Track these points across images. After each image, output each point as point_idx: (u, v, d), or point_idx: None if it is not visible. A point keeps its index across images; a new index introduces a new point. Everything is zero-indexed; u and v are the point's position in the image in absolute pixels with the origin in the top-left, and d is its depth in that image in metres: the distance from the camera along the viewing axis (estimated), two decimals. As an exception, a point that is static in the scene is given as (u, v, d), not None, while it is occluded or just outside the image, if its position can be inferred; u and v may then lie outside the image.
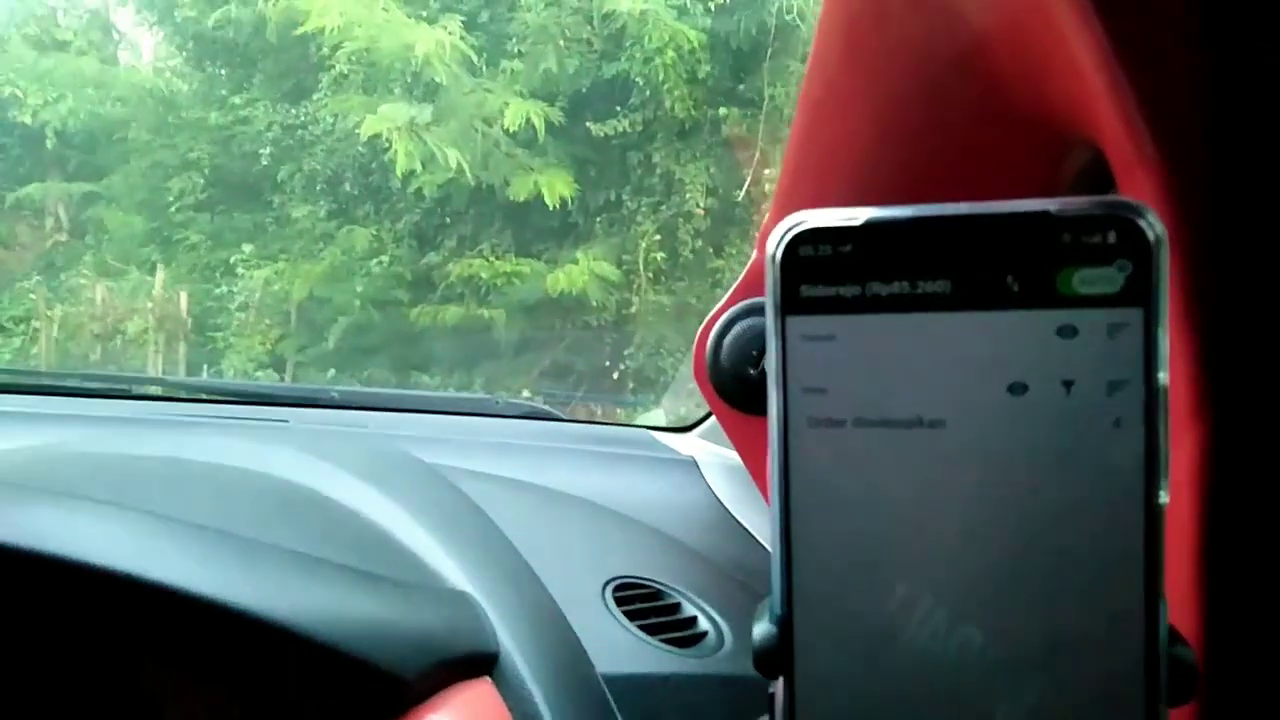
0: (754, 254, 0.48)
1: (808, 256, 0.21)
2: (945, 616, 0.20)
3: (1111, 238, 0.19)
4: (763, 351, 0.46)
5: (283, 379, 5.23)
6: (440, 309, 5.01)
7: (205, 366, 5.25)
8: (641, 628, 0.40)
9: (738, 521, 0.56)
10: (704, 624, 0.42)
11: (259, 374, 5.23)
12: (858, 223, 0.20)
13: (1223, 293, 0.20)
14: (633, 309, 4.87)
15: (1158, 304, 0.19)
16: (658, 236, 4.85)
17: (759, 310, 0.46)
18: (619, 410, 4.78)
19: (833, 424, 0.21)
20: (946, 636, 0.21)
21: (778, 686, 0.22)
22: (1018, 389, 0.20)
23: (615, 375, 4.92)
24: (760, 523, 0.56)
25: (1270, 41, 0.20)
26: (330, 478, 0.42)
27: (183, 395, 0.76)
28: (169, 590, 0.23)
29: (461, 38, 4.75)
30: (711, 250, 4.85)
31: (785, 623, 0.21)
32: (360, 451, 0.49)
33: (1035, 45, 0.26)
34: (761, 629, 0.21)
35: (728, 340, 0.46)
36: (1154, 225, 0.18)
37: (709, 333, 0.47)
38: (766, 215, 0.47)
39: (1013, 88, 0.30)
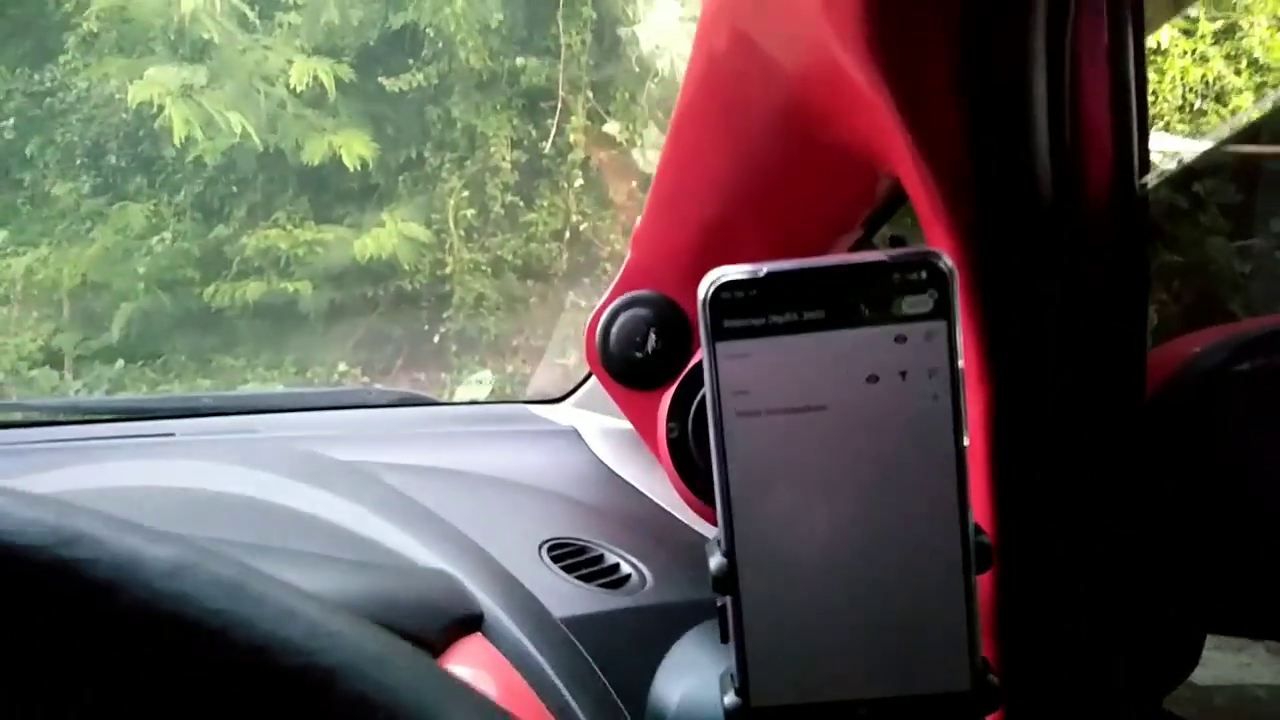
0: (628, 254, 0.56)
1: (728, 298, 0.29)
2: (834, 537, 0.30)
3: (924, 275, 0.29)
4: (645, 338, 0.55)
5: (62, 376, 4.75)
6: (238, 285, 4.68)
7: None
8: (578, 578, 0.48)
9: (623, 479, 0.65)
10: (625, 568, 0.51)
11: (33, 373, 4.72)
12: (761, 274, 0.29)
13: (993, 306, 0.30)
14: (447, 269, 4.77)
15: (954, 316, 0.29)
16: (465, 193, 4.74)
17: (639, 303, 0.55)
18: (444, 375, 4.72)
19: (753, 414, 0.30)
20: (836, 551, 0.30)
21: (727, 601, 0.31)
22: (872, 379, 0.29)
23: (435, 339, 4.83)
24: (643, 479, 0.65)
25: (1022, 130, 0.31)
26: (282, 488, 0.47)
27: (51, 419, 0.74)
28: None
29: (230, -10, 4.40)
30: (522, 203, 4.82)
31: (730, 555, 0.30)
32: (289, 458, 0.53)
33: (835, 94, 0.36)
34: (716, 561, 0.30)
35: (614, 330, 0.55)
36: (948, 265, 0.29)
37: (596, 324, 0.55)
38: (640, 220, 0.55)
39: (828, 127, 0.40)
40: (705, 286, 0.29)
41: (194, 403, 0.79)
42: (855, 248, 0.50)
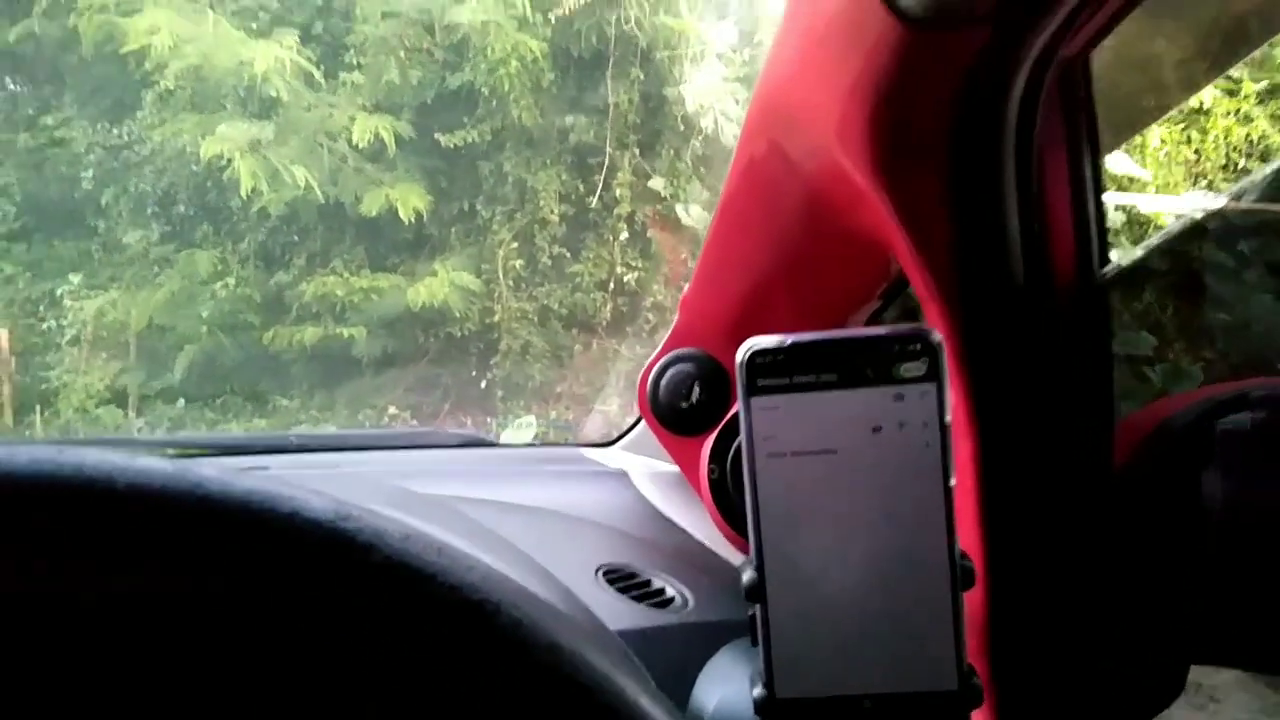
0: (677, 316, 0.64)
1: (760, 362, 0.37)
2: (845, 558, 0.37)
3: (918, 346, 0.36)
4: (690, 390, 0.62)
5: (126, 414, 4.92)
6: (296, 330, 4.83)
7: (39, 408, 4.86)
8: (630, 598, 0.56)
9: (667, 517, 0.72)
10: (671, 592, 0.58)
11: (99, 410, 4.89)
12: (787, 344, 0.37)
13: (977, 372, 0.38)
14: (495, 317, 4.88)
15: (944, 380, 0.36)
16: (515, 244, 4.87)
17: (685, 359, 0.63)
18: (489, 420, 4.80)
19: (779, 455, 0.37)
20: (846, 570, 0.37)
21: (757, 609, 0.37)
22: (876, 429, 0.36)
23: (483, 385, 4.93)
24: (685, 518, 0.72)
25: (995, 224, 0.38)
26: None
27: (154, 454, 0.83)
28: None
29: (298, 51, 4.63)
30: (569, 255, 4.93)
31: (759, 570, 0.37)
32: (379, 491, 0.61)
33: (848, 196, 0.43)
34: (748, 575, 0.37)
35: (664, 382, 0.62)
36: (938, 339, 0.36)
37: (648, 377, 0.63)
38: (687, 287, 0.63)
39: (844, 220, 0.47)
40: (742, 352, 0.37)
41: (283, 440, 0.88)
42: (873, 316, 0.58)
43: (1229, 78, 3.95)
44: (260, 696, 0.22)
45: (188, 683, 0.21)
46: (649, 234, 4.83)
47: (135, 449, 0.88)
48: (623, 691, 0.22)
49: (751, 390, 0.37)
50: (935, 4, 0.32)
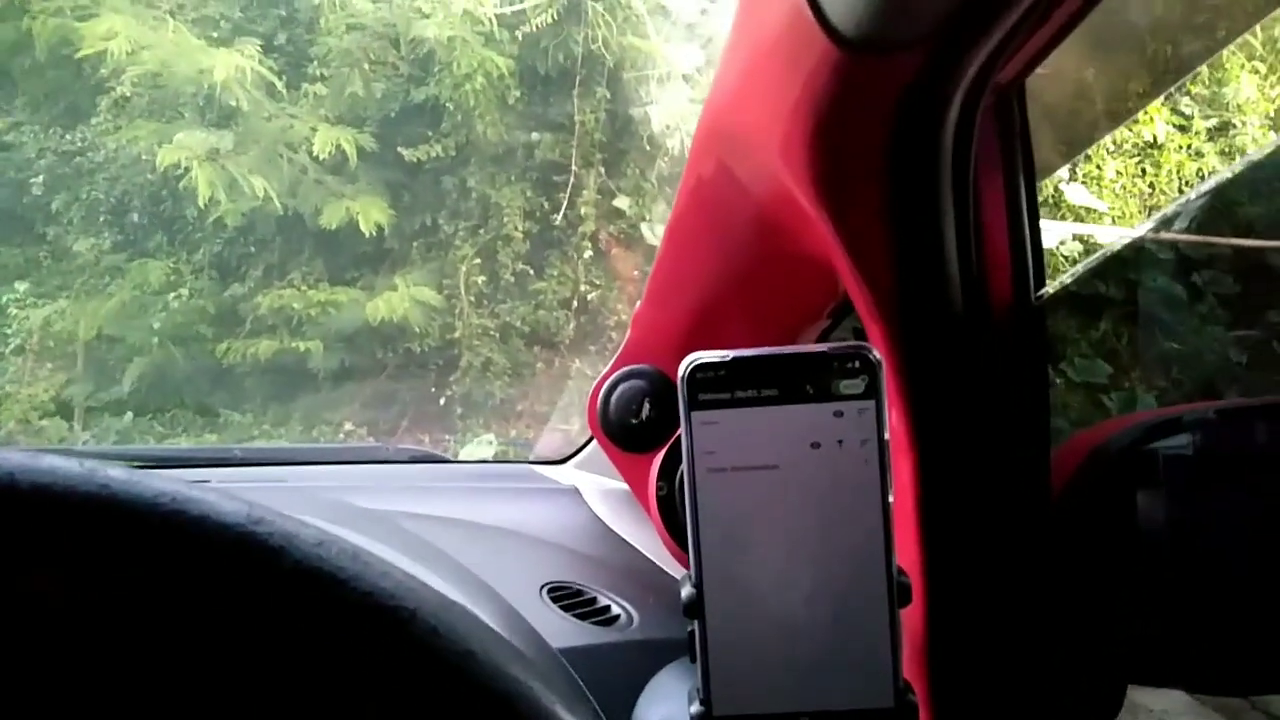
0: (629, 332, 0.64)
1: (701, 377, 0.37)
2: (783, 574, 0.37)
3: (857, 364, 0.36)
4: (640, 406, 0.62)
5: (71, 427, 4.78)
6: (250, 343, 4.74)
7: (-18, 420, 4.70)
8: (574, 615, 0.55)
9: (617, 534, 0.72)
10: (616, 609, 0.57)
11: (43, 423, 4.75)
12: (728, 359, 0.37)
13: (916, 390, 0.38)
14: (456, 333, 4.84)
15: (882, 397, 0.36)
16: (477, 260, 4.84)
17: (635, 375, 0.63)
18: (448, 438, 4.74)
19: (720, 470, 0.37)
20: (785, 586, 0.37)
21: (695, 625, 0.37)
22: (815, 445, 0.37)
23: (441, 402, 4.88)
24: (635, 535, 0.72)
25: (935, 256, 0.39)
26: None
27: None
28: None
29: (260, 61, 4.58)
30: (532, 272, 4.92)
31: (698, 586, 0.37)
32: (317, 504, 0.60)
33: (794, 217, 0.44)
34: (686, 591, 0.37)
35: (613, 399, 0.62)
36: (877, 357, 0.36)
37: (598, 393, 0.63)
38: (639, 303, 0.63)
39: (789, 239, 0.48)
40: (684, 367, 0.37)
41: (226, 454, 0.86)
42: (823, 335, 0.58)
43: (1180, 114, 4.08)
44: (166, 700, 0.21)
45: (90, 686, 0.21)
46: (613, 252, 4.84)
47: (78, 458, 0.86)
48: (539, 701, 0.22)
49: (693, 405, 0.37)
50: (870, 28, 0.33)
